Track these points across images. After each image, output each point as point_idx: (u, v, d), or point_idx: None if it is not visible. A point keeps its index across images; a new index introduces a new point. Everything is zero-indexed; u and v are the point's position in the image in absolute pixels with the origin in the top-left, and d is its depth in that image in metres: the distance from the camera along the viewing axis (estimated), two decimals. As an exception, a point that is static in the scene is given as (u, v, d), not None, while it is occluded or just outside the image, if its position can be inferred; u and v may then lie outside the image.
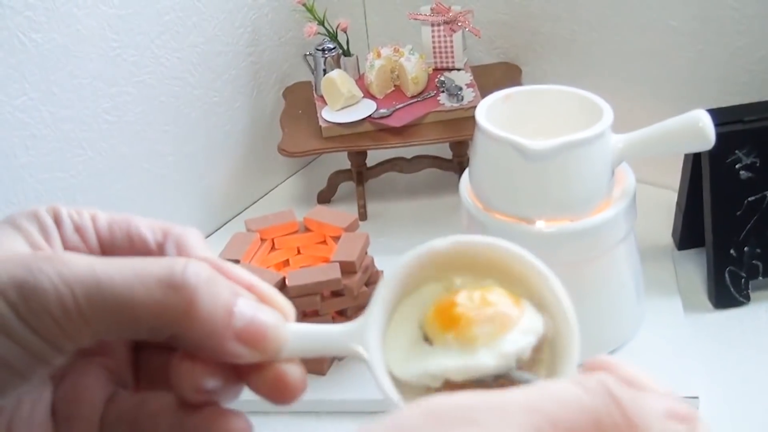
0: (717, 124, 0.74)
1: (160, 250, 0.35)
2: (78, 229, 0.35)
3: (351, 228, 0.86)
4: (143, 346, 0.37)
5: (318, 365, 0.82)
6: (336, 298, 0.81)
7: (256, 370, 0.33)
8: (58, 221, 0.35)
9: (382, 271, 0.86)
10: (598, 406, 0.28)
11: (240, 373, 0.34)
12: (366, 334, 0.35)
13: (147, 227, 0.35)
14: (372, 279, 0.84)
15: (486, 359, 0.34)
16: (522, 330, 0.35)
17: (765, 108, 0.86)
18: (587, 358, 0.33)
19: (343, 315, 0.83)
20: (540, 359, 0.36)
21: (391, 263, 0.37)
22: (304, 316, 0.81)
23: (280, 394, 0.33)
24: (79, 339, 0.31)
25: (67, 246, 0.35)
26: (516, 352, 0.34)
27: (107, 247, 0.35)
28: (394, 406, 0.33)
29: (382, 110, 1.02)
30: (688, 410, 0.30)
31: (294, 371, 0.34)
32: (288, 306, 0.35)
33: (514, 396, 0.28)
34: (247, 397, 0.35)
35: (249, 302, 0.33)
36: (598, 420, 0.28)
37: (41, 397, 0.34)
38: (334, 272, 0.79)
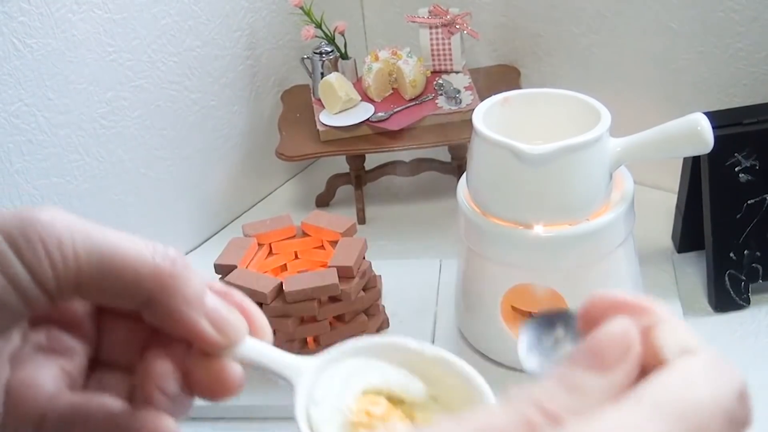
0: (716, 127, 0.74)
1: None
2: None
3: (348, 233, 0.85)
4: (102, 363, 0.39)
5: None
6: (333, 304, 0.80)
7: (204, 360, 0.36)
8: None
9: (380, 276, 0.86)
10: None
11: (190, 378, 0.37)
12: (303, 372, 0.38)
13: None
14: (370, 284, 0.83)
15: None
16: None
17: (764, 110, 0.86)
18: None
19: (340, 320, 0.82)
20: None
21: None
22: (302, 321, 0.81)
23: (219, 387, 0.37)
24: (65, 284, 0.34)
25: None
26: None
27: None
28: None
29: (380, 113, 1.02)
30: None
31: (236, 369, 0.37)
32: (267, 327, 0.39)
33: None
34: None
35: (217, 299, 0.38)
36: None
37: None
38: (332, 277, 0.79)
